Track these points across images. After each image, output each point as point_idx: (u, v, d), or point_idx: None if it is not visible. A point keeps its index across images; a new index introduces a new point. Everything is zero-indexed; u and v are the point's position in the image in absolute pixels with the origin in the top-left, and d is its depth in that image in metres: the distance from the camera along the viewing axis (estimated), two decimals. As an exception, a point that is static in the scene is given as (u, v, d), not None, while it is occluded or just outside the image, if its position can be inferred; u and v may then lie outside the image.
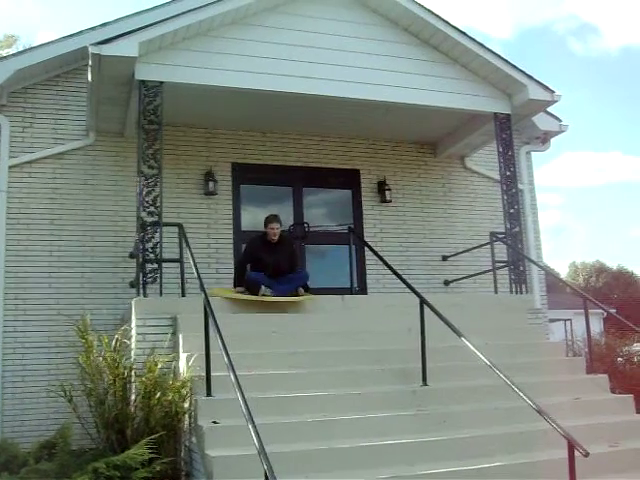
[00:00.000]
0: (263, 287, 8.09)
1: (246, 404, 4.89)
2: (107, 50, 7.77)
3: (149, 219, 7.83)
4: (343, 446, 5.64)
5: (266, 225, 8.62)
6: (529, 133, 11.87)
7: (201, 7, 8.29)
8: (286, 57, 8.58)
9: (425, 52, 9.33)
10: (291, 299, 8.23)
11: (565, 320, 24.43)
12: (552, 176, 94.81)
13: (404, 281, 8.04)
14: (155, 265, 7.71)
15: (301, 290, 8.41)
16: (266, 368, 6.73)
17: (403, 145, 11.27)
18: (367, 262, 10.59)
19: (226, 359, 5.53)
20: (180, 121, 9.73)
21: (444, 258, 11.03)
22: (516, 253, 9.26)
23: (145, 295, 7.59)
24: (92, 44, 7.87)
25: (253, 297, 8.04)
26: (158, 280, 7.67)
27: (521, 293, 9.16)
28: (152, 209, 7.87)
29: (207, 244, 9.86)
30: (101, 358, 6.50)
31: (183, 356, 6.73)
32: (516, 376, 6.13)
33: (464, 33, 9.28)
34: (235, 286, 8.52)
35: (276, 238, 8.59)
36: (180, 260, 7.88)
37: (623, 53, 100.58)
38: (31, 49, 9.97)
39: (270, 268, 8.39)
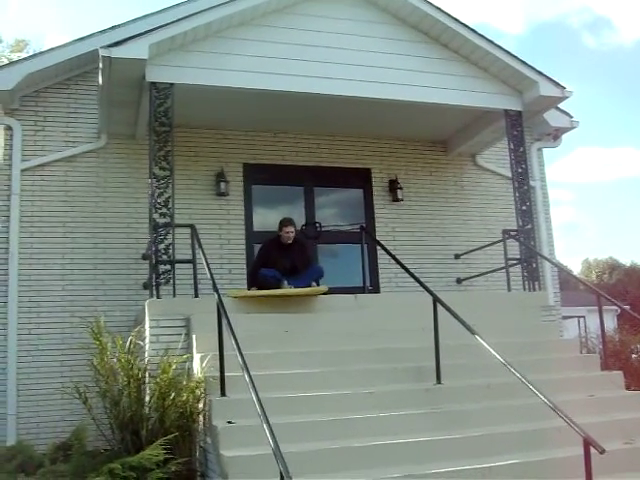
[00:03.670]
0: (285, 282, 8.20)
1: (261, 404, 4.90)
2: (117, 52, 7.80)
3: (161, 220, 7.86)
4: (357, 445, 5.63)
5: (280, 228, 8.67)
6: (540, 130, 11.82)
7: (210, 9, 8.32)
8: (295, 57, 8.60)
9: (435, 50, 9.33)
10: (311, 290, 8.24)
11: (579, 317, 24.42)
12: (564, 172, 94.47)
13: (417, 279, 8.02)
14: (168, 266, 7.73)
15: (314, 284, 8.45)
16: (279, 368, 6.72)
17: (414, 143, 11.24)
18: (379, 261, 10.57)
19: (240, 359, 5.55)
20: (191, 122, 9.74)
21: (457, 256, 11.00)
22: (529, 250, 9.23)
23: (158, 296, 7.61)
24: (102, 47, 7.90)
25: (276, 291, 8.07)
26: (171, 281, 7.70)
27: (534, 290, 9.13)
28: (164, 210, 7.90)
29: (219, 245, 9.87)
30: (115, 360, 6.52)
31: (197, 357, 6.74)
32: (530, 373, 6.11)
33: (473, 30, 9.26)
34: (249, 288, 8.55)
35: (290, 241, 8.64)
36: (193, 261, 7.89)
37: (637, 47, 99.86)
38: (42, 53, 10.00)
39: (285, 270, 8.46)
